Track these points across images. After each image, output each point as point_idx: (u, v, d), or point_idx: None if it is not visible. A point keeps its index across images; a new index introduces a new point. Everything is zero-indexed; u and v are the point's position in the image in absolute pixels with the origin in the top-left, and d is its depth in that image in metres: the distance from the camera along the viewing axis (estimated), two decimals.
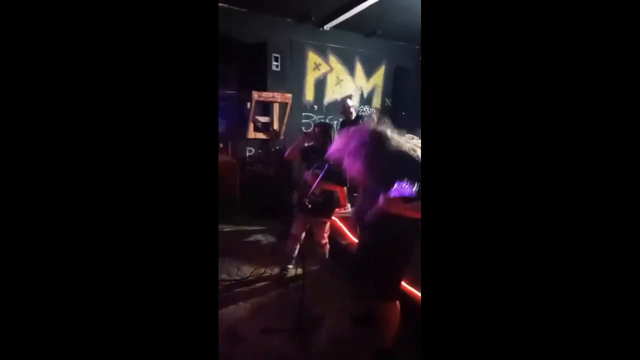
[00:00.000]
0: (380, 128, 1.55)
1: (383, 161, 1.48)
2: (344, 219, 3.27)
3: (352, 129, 1.63)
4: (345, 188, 3.73)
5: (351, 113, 3.58)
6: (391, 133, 1.54)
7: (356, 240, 2.41)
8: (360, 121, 3.12)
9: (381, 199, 1.46)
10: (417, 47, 5.33)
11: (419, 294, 2.07)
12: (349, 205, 3.77)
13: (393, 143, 1.50)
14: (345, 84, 4.94)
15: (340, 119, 4.03)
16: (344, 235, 3.08)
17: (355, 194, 3.21)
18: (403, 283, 2.09)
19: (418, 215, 1.52)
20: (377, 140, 1.50)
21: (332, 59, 4.75)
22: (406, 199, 1.41)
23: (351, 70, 4.95)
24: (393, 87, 5.36)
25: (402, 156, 1.48)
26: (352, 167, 1.55)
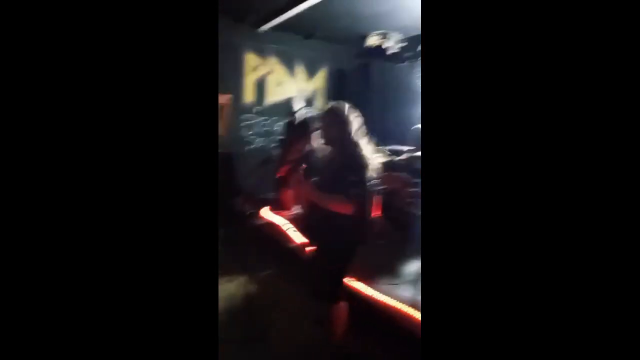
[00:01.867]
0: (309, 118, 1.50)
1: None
2: (293, 220, 3.20)
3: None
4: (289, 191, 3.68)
5: (294, 113, 3.50)
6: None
7: (307, 241, 2.37)
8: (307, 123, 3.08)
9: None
10: (357, 50, 5.46)
11: (365, 290, 2.09)
12: (294, 208, 3.72)
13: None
14: (287, 86, 4.88)
15: (285, 121, 3.95)
16: (289, 239, 3.00)
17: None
18: (351, 281, 2.08)
19: (336, 209, 1.51)
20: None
21: (272, 60, 4.67)
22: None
23: (292, 72, 4.92)
24: (336, 89, 5.42)
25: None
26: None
